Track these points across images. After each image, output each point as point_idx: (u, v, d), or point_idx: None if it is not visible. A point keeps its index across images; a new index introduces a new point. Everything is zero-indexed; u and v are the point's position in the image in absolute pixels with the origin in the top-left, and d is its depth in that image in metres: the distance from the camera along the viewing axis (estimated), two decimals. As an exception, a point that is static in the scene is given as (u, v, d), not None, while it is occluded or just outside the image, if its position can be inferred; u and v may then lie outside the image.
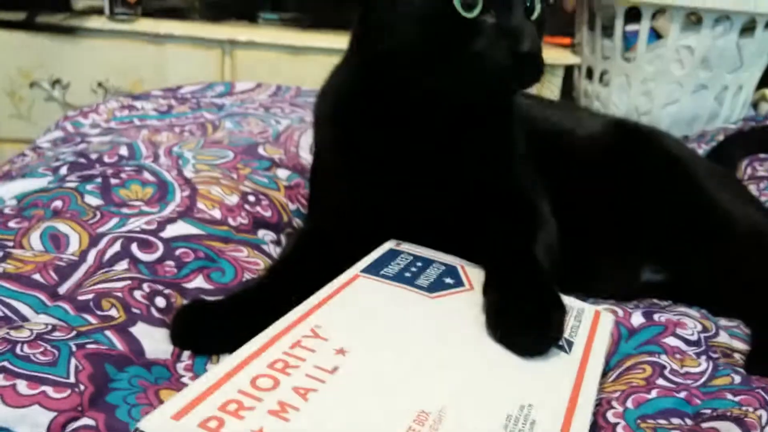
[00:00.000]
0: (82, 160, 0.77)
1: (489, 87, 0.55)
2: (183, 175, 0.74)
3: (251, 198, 0.74)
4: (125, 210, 0.67)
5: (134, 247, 0.61)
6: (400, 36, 0.54)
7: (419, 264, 0.59)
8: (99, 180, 0.71)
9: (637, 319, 0.64)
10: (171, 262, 0.61)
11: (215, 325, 0.54)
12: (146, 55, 1.77)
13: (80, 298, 0.53)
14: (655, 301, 0.73)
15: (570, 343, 0.50)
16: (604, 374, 0.58)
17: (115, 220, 0.65)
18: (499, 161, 0.63)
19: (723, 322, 0.69)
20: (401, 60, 0.55)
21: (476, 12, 0.52)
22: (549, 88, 1.88)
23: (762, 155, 1.17)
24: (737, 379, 0.56)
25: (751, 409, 0.51)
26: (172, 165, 0.77)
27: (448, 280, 0.57)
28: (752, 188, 1.04)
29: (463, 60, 0.53)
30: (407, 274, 0.57)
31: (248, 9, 1.91)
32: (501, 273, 0.54)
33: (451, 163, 0.61)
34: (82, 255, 0.60)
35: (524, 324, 0.48)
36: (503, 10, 0.53)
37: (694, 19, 1.62)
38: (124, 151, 0.81)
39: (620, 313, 0.65)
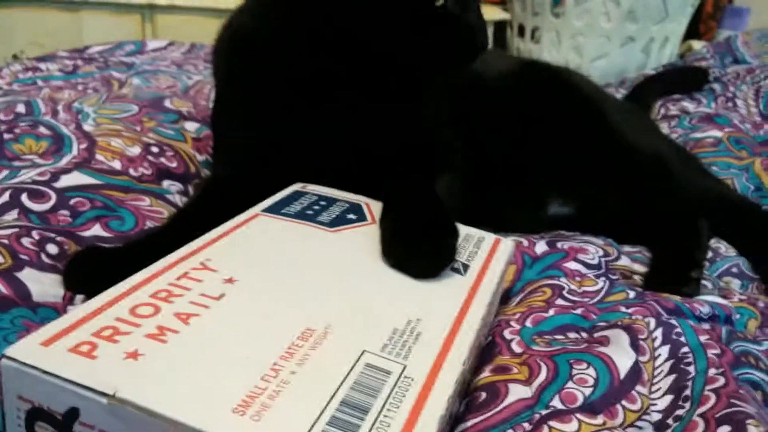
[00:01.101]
0: (-25, 119, 0.73)
1: (437, 67, 0.59)
2: (82, 129, 0.71)
3: (154, 149, 0.72)
4: (17, 163, 0.64)
5: (24, 197, 0.58)
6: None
7: (323, 203, 0.59)
8: (-9, 136, 0.68)
9: (540, 247, 0.66)
10: (65, 212, 0.59)
11: (111, 270, 0.52)
12: (62, 23, 1.69)
13: (-37, 246, 0.51)
14: (563, 232, 0.75)
15: (466, 267, 0.51)
16: (508, 300, 0.59)
17: (5, 173, 0.62)
18: (411, 105, 0.63)
19: (626, 248, 0.71)
20: (351, 24, 0.55)
21: (441, 0, 0.53)
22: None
23: (675, 96, 1.22)
24: (631, 294, 0.58)
25: (640, 318, 0.53)
26: (71, 119, 0.74)
27: (351, 216, 0.57)
28: (664, 126, 1.08)
29: (422, 45, 0.55)
30: (309, 212, 0.56)
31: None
32: (397, 202, 0.55)
33: (365, 109, 0.60)
34: (-32, 207, 0.57)
35: (417, 248, 0.48)
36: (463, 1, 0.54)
37: (620, -29, 1.64)
38: (21, 108, 0.77)
39: (525, 243, 0.66)
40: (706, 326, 0.53)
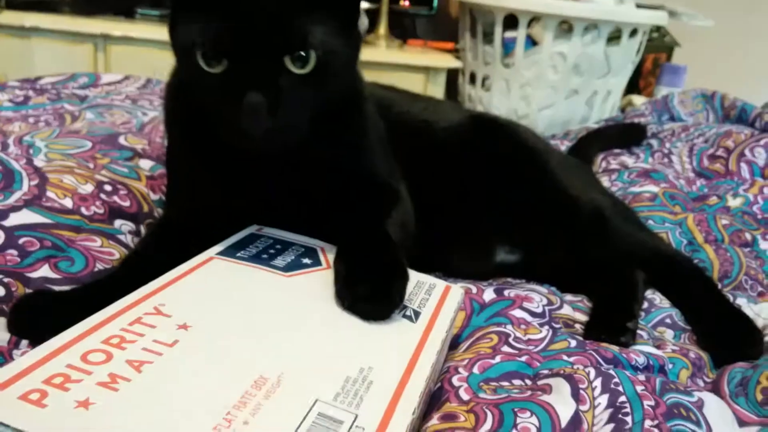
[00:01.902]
0: None
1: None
2: (33, 164, 0.70)
3: (108, 187, 0.71)
4: (-36, 200, 0.63)
5: (-30, 236, 0.57)
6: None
7: (278, 246, 0.59)
8: (-64, 171, 0.66)
9: (488, 295, 0.68)
10: (13, 251, 0.58)
11: (58, 315, 0.52)
12: (10, 49, 1.67)
13: None
14: (509, 280, 0.77)
15: (417, 314, 0.52)
16: (456, 346, 0.61)
17: (-50, 210, 0.61)
18: (350, 151, 0.64)
19: (569, 297, 0.74)
20: None
21: (221, 68, 0.51)
22: (433, 91, 1.94)
23: (615, 150, 1.28)
24: (573, 343, 0.61)
25: (581, 367, 0.55)
26: (22, 154, 0.73)
27: (306, 261, 0.58)
28: (605, 179, 1.13)
29: (208, 107, 0.54)
30: (264, 256, 0.57)
31: (125, 4, 1.85)
32: (350, 245, 0.56)
33: (300, 157, 0.60)
34: None
35: (368, 290, 0.49)
36: (245, 72, 0.50)
37: (565, 27, 1.73)
38: (-32, 141, 0.76)
39: (474, 290, 0.68)
40: (641, 377, 0.55)
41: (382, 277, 0.51)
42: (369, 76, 0.70)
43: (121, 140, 0.83)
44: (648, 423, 0.48)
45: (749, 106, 1.41)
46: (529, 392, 0.52)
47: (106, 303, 0.45)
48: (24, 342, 0.51)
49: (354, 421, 0.38)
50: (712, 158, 1.20)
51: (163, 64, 0.67)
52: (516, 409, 0.48)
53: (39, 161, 0.72)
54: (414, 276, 0.57)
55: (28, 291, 0.56)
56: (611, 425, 0.48)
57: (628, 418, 0.49)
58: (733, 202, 1.02)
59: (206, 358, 0.41)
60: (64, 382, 0.36)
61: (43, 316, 0.52)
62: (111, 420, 0.34)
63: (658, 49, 2.25)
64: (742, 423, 0.54)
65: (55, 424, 0.33)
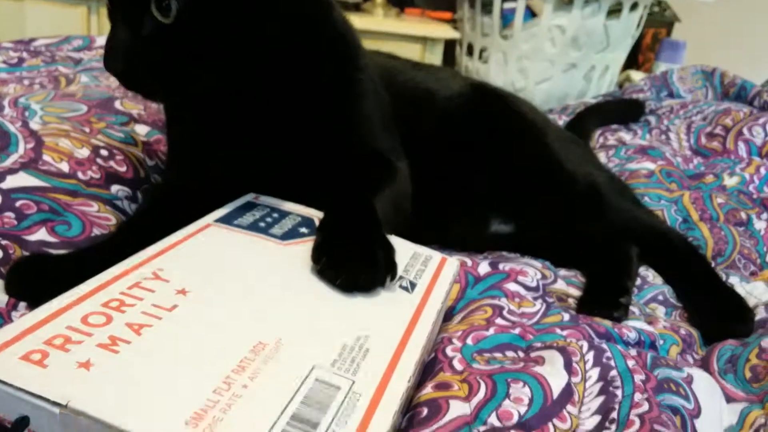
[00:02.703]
0: None
1: None
2: (28, 127, 0.70)
3: (104, 152, 0.71)
4: (-41, 161, 0.62)
5: (-34, 198, 0.57)
6: None
7: (275, 215, 0.59)
8: (-70, 130, 0.66)
9: (483, 268, 0.69)
10: (10, 214, 0.58)
11: (56, 278, 0.52)
12: (3, 10, 1.64)
13: None
14: (504, 253, 0.78)
15: (414, 285, 0.53)
16: (451, 317, 0.62)
17: (-54, 170, 0.60)
18: (344, 121, 0.63)
19: (563, 272, 0.75)
20: None
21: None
22: (429, 62, 1.93)
23: (613, 126, 1.28)
24: (566, 317, 0.62)
25: (574, 341, 0.56)
26: (17, 116, 0.72)
27: (303, 230, 0.58)
28: (602, 155, 1.13)
29: None
30: (261, 224, 0.57)
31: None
32: (333, 216, 0.55)
33: (287, 126, 0.60)
34: None
35: (344, 262, 0.48)
36: (114, 10, 0.52)
37: (565, -1, 1.71)
38: (-37, 101, 0.75)
39: (469, 263, 0.69)
40: (633, 351, 0.56)
41: (360, 248, 0.50)
42: (364, 45, 0.69)
43: (117, 105, 0.82)
44: (638, 396, 0.49)
45: (749, 83, 1.40)
46: (522, 363, 0.52)
47: (104, 267, 0.46)
48: (22, 304, 0.51)
49: (351, 387, 0.38)
50: (710, 136, 1.20)
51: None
52: (509, 380, 0.48)
53: (35, 124, 0.71)
54: (411, 248, 0.57)
55: (26, 253, 0.56)
56: (602, 397, 0.49)
57: (619, 391, 0.50)
58: (730, 181, 1.02)
59: (205, 323, 0.41)
60: (65, 343, 0.37)
61: (41, 279, 0.52)
62: (112, 381, 0.34)
63: (658, 24, 2.24)
64: (729, 399, 0.55)
65: (57, 383, 0.33)
